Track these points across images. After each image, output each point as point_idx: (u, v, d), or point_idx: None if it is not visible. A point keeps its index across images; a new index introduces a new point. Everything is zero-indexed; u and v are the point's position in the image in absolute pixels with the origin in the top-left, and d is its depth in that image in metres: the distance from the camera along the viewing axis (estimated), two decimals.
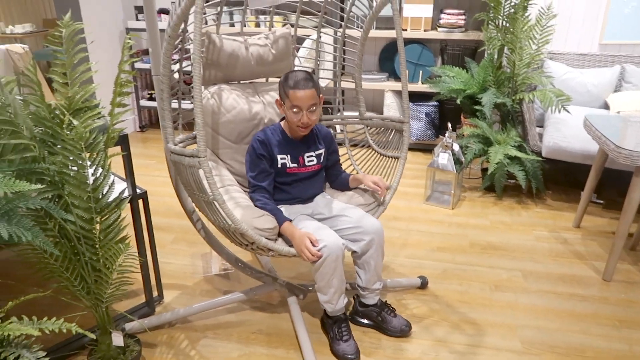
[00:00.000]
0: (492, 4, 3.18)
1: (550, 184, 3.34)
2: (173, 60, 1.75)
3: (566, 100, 2.77)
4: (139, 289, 2.16)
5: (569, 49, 3.48)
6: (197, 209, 1.91)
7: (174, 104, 1.86)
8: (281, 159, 1.81)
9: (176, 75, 1.89)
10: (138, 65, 4.27)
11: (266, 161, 1.78)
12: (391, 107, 3.84)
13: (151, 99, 4.40)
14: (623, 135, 2.22)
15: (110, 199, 1.51)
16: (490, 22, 3.27)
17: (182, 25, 1.78)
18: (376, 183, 1.87)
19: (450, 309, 2.08)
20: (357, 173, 2.18)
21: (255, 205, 1.73)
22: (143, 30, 4.20)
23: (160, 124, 1.81)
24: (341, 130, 2.30)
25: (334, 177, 1.99)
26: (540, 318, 2.03)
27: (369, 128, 2.21)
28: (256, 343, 1.88)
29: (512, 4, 3.11)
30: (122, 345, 1.61)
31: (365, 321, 1.95)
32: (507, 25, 3.17)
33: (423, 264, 2.41)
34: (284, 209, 1.82)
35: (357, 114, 2.20)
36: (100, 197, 1.47)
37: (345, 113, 2.27)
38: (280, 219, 1.69)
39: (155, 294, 2.11)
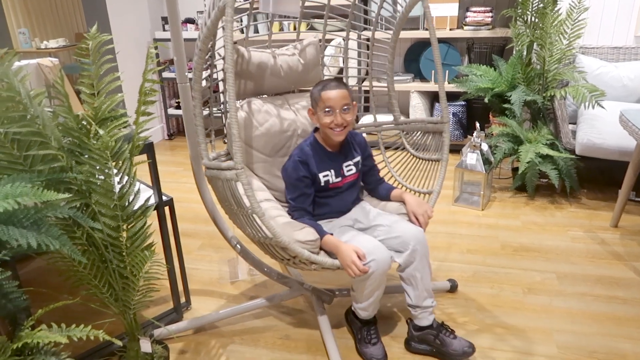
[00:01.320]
0: (520, 0, 3.10)
1: (586, 182, 3.23)
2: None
3: (600, 95, 2.67)
4: (167, 295, 2.18)
5: (602, 42, 3.36)
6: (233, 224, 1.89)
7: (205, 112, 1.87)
8: (324, 176, 1.74)
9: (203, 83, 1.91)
10: (165, 74, 4.35)
11: (307, 182, 1.72)
12: (417, 108, 3.79)
13: (178, 107, 4.47)
14: None
15: (137, 207, 1.53)
16: (518, 18, 3.19)
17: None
18: (416, 216, 1.75)
19: (481, 313, 2.02)
20: (396, 182, 2.12)
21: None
22: (169, 40, 4.28)
23: (187, 136, 1.83)
24: (375, 142, 2.26)
25: (373, 185, 1.92)
26: (577, 322, 1.95)
27: (404, 132, 2.16)
28: (283, 348, 1.86)
29: None
30: (150, 351, 1.63)
31: (423, 347, 1.78)
32: (536, 20, 3.09)
33: (452, 266, 2.35)
34: (324, 224, 1.76)
35: (391, 118, 2.16)
36: (127, 205, 1.49)
37: (378, 117, 2.22)
38: (321, 232, 1.63)
39: (182, 300, 2.12)
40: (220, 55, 1.94)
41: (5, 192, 1.13)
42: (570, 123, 3.11)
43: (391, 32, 2.07)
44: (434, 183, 1.94)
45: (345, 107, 1.66)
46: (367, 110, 4.05)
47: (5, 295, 1.18)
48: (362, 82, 2.47)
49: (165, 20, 4.28)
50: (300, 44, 2.03)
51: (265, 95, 2.00)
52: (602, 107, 2.69)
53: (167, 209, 1.92)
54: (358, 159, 1.83)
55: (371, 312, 1.74)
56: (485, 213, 2.89)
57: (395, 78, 3.83)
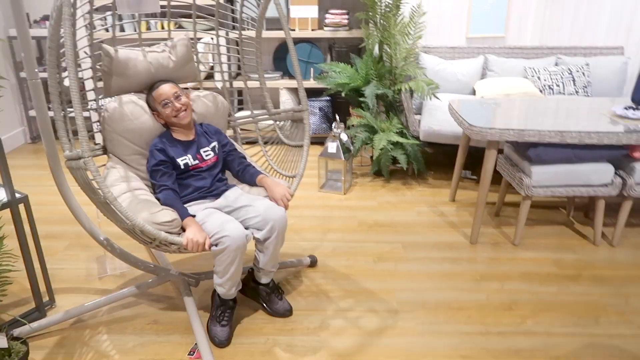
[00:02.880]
0: (368, 4, 3.44)
1: (434, 165, 3.68)
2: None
3: (435, 88, 3.09)
4: (29, 296, 2.14)
5: (441, 43, 3.84)
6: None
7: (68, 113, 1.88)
8: (182, 160, 1.92)
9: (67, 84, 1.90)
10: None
11: (167, 164, 1.88)
12: (287, 104, 4.01)
13: None
14: (477, 115, 2.54)
15: None
16: (370, 20, 3.54)
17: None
18: (275, 200, 1.94)
19: (335, 282, 2.27)
20: (269, 167, 2.29)
21: (162, 204, 1.79)
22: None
23: (41, 133, 1.82)
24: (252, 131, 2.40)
25: (240, 168, 2.05)
26: (415, 281, 2.28)
27: (277, 123, 2.34)
28: (151, 332, 1.95)
29: (387, 3, 3.39)
30: (6, 346, 1.62)
31: (253, 295, 2.08)
32: (384, 22, 3.45)
33: (315, 245, 2.59)
34: (195, 206, 1.88)
35: (264, 111, 2.34)
36: None
37: (255, 112, 2.37)
38: (183, 214, 1.76)
39: (46, 298, 2.10)
40: (86, 54, 1.96)
41: None
42: (417, 113, 3.52)
43: (254, 31, 2.24)
44: (299, 166, 2.14)
45: (176, 94, 1.93)
46: (241, 105, 4.19)
47: None
48: (235, 78, 2.57)
49: None
50: (171, 41, 2.10)
51: (141, 92, 2.04)
52: (438, 98, 3.11)
53: (22, 207, 1.90)
54: (214, 144, 2.03)
55: (228, 290, 1.87)
56: (347, 197, 3.18)
57: (265, 76, 4.01)
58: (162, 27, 3.96)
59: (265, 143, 2.39)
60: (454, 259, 2.46)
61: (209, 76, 3.99)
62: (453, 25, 3.80)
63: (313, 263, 2.39)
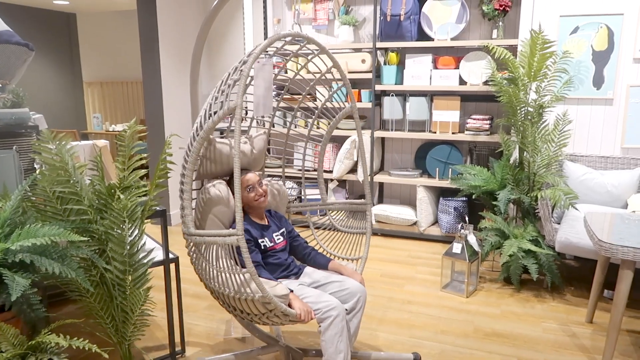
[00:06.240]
0: (510, 112, 3.51)
1: (577, 281, 3.37)
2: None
3: (573, 198, 2.94)
4: (166, 343, 2.53)
5: (590, 151, 3.66)
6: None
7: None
8: (262, 241, 2.16)
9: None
10: None
11: (252, 243, 2.11)
12: (423, 201, 4.13)
13: None
14: (611, 231, 2.36)
15: (146, 260, 1.96)
16: (511, 126, 3.57)
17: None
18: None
19: None
20: (324, 251, 2.48)
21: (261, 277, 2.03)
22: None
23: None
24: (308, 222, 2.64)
25: (307, 252, 2.29)
26: None
27: (335, 212, 2.58)
28: None
29: (527, 110, 3.42)
30: None
31: None
32: (523, 130, 3.46)
33: (423, 343, 2.57)
34: (285, 282, 2.10)
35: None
36: (134, 253, 1.91)
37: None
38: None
39: (178, 348, 2.46)
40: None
41: (43, 232, 1.59)
42: (557, 223, 3.34)
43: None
44: (361, 250, 2.38)
45: (260, 181, 2.22)
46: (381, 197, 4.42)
47: (30, 305, 1.60)
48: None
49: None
50: (251, 136, 2.37)
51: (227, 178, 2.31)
52: (576, 208, 2.94)
53: (172, 266, 2.33)
54: (283, 230, 2.29)
55: None
56: (469, 300, 3.09)
57: (405, 173, 4.24)
58: (306, 124, 4.51)
59: (317, 228, 2.61)
60: None
61: (353, 170, 4.36)
62: (605, 134, 3.61)
63: None
